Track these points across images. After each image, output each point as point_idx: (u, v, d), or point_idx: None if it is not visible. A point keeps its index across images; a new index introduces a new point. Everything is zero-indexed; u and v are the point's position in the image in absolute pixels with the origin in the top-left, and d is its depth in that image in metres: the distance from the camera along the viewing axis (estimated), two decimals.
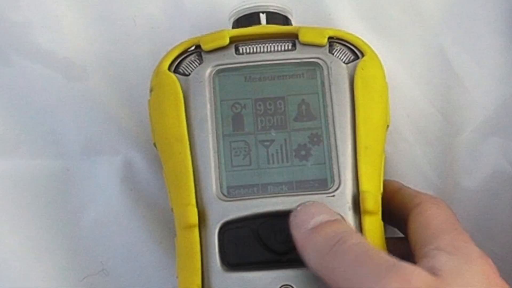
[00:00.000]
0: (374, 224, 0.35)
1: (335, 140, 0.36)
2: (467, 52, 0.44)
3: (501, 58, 0.44)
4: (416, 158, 0.43)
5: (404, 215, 0.36)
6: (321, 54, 0.37)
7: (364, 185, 0.35)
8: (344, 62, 0.37)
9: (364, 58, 0.37)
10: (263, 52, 0.37)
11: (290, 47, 0.38)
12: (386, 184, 0.38)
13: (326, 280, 0.32)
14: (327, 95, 0.37)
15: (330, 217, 0.33)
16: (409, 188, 0.38)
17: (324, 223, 0.33)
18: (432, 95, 0.44)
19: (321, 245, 0.32)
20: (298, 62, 0.37)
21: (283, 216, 0.34)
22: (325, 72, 0.37)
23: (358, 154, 0.36)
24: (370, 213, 0.35)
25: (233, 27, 0.40)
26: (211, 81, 0.37)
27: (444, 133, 0.43)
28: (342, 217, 0.34)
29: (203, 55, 0.38)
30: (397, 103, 0.41)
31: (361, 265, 0.30)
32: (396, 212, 0.37)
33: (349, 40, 0.38)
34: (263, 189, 0.35)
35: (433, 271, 0.30)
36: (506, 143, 0.43)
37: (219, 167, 0.36)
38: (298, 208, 0.34)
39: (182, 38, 0.39)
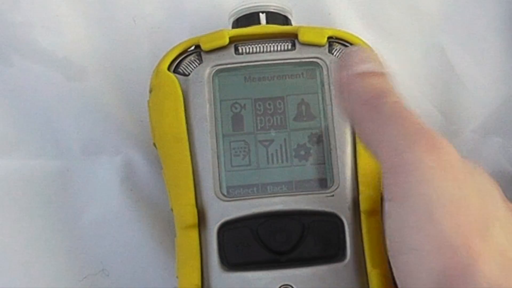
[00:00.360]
0: (373, 224, 0.35)
1: (335, 140, 0.36)
2: (467, 52, 0.44)
3: (501, 57, 0.44)
4: None
5: None
6: (321, 54, 0.37)
7: (364, 185, 0.35)
8: None
9: None
10: (263, 52, 0.37)
11: (289, 47, 0.38)
12: None
13: (356, 130, 0.32)
14: (327, 95, 0.37)
15: (379, 69, 0.32)
16: None
17: (372, 73, 0.32)
18: (432, 95, 0.44)
19: (362, 92, 0.31)
20: (297, 62, 0.37)
21: (282, 216, 0.34)
22: (325, 72, 0.37)
23: (357, 154, 0.36)
24: (369, 213, 0.35)
25: (233, 27, 0.40)
26: (211, 81, 0.37)
27: (444, 133, 0.43)
28: (342, 217, 0.34)
29: (203, 55, 0.38)
30: None
31: (394, 123, 0.30)
32: None
33: (348, 40, 0.38)
34: (262, 189, 0.35)
35: None
36: (507, 143, 0.43)
37: (218, 167, 0.36)
38: (351, 49, 0.33)
39: (182, 38, 0.39)
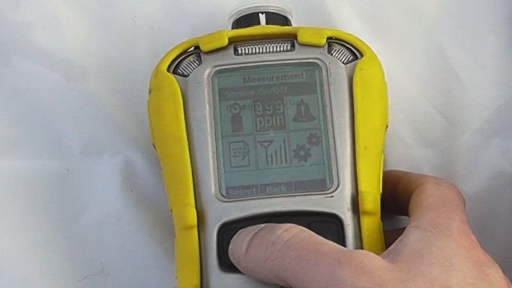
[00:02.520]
0: (373, 224, 0.35)
1: (334, 140, 0.36)
2: (467, 52, 0.44)
3: (501, 58, 0.44)
4: (416, 160, 0.42)
5: (408, 198, 0.36)
6: (320, 55, 0.37)
7: (363, 186, 0.35)
8: (343, 62, 0.37)
9: (363, 58, 0.37)
10: (262, 52, 0.37)
11: (289, 48, 0.38)
12: (390, 173, 0.38)
13: (281, 284, 0.32)
14: (326, 95, 0.37)
15: (254, 230, 0.33)
16: (414, 172, 0.38)
17: (254, 234, 0.33)
18: (432, 96, 0.44)
19: (257, 253, 0.32)
20: (297, 63, 0.37)
21: (282, 217, 0.34)
22: (324, 73, 0.37)
23: (357, 154, 0.36)
24: (369, 213, 0.35)
25: (232, 28, 0.40)
26: (210, 81, 0.37)
27: (444, 135, 0.43)
28: (341, 218, 0.34)
29: (202, 56, 0.38)
30: (396, 104, 0.41)
31: (304, 259, 0.30)
32: (401, 198, 0.37)
33: (348, 40, 0.38)
34: (262, 190, 0.35)
35: (393, 255, 0.30)
36: (507, 145, 0.43)
37: (218, 168, 0.36)
38: (230, 247, 0.34)
39: (182, 38, 0.39)
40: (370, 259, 0.29)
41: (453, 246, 0.31)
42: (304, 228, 0.32)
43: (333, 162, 0.36)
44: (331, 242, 0.30)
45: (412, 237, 0.31)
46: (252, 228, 0.33)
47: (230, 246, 0.34)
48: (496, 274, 0.32)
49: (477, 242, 0.33)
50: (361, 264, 0.29)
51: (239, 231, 0.34)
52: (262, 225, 0.33)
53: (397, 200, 0.37)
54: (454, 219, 0.33)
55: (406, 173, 0.38)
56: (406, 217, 0.37)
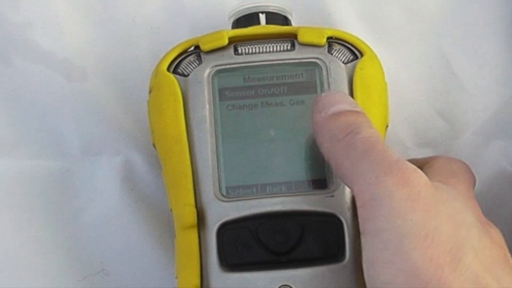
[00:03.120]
0: None
1: None
2: (467, 53, 0.44)
3: (501, 59, 0.44)
4: None
5: None
6: (320, 54, 0.37)
7: None
8: (343, 62, 0.37)
9: (363, 58, 0.37)
10: (262, 52, 0.37)
11: (289, 47, 0.38)
12: None
13: (333, 166, 0.33)
14: None
15: (351, 107, 0.33)
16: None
17: (344, 112, 0.33)
18: (432, 96, 0.44)
19: (336, 131, 0.32)
20: (297, 62, 0.37)
21: (282, 217, 0.34)
22: (324, 72, 0.37)
23: None
24: None
25: (232, 27, 0.40)
26: (210, 81, 0.37)
27: (444, 136, 0.43)
28: (341, 218, 0.34)
29: (202, 56, 0.38)
30: (396, 104, 0.41)
31: (366, 158, 0.31)
32: None
33: (348, 40, 0.38)
34: (262, 189, 0.35)
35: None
36: (507, 145, 0.43)
37: (218, 168, 0.36)
38: (322, 94, 0.34)
39: (182, 38, 0.39)
40: (417, 175, 0.30)
41: (461, 203, 0.32)
42: (380, 137, 0.32)
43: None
44: (394, 153, 0.31)
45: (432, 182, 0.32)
46: (346, 102, 0.34)
47: (323, 94, 0.34)
48: (497, 234, 0.33)
49: (480, 210, 0.34)
50: (407, 176, 0.30)
51: (334, 92, 0.35)
52: (353, 110, 0.34)
53: None
54: (461, 184, 0.34)
55: (413, 158, 0.38)
56: None
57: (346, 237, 0.34)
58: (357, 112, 0.33)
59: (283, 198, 0.35)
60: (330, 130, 0.33)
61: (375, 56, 0.38)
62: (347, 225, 0.34)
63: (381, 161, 0.30)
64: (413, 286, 0.28)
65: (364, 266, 0.31)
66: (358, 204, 0.31)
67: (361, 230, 0.31)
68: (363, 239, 0.31)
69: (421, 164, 0.37)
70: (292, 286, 0.34)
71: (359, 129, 0.32)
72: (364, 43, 0.38)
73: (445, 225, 0.29)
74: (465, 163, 0.37)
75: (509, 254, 0.32)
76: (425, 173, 0.35)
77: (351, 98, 0.35)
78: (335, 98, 0.34)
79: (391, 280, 0.29)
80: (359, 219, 0.31)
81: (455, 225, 0.30)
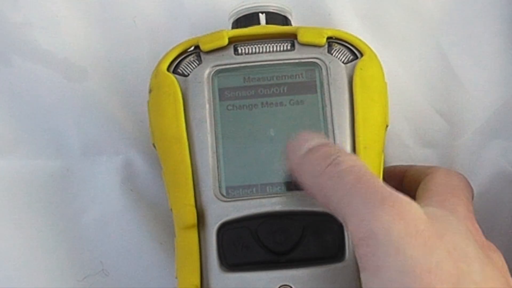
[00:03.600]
0: None
1: (334, 140, 0.36)
2: (467, 53, 0.44)
3: (501, 59, 0.44)
4: (415, 161, 0.42)
5: (415, 188, 0.36)
6: (320, 54, 0.37)
7: None
8: (343, 62, 0.37)
9: (363, 58, 0.37)
10: (262, 52, 0.37)
11: (289, 47, 0.38)
12: (394, 168, 0.38)
13: (321, 202, 0.32)
14: (326, 95, 0.37)
15: (323, 141, 0.33)
16: (420, 164, 0.39)
17: (317, 146, 0.33)
18: (432, 96, 0.44)
19: (316, 165, 0.32)
20: (297, 62, 0.37)
21: (282, 217, 0.34)
22: (324, 72, 0.37)
23: (357, 154, 0.36)
24: None
25: (232, 27, 0.40)
26: (210, 81, 0.37)
27: (444, 135, 0.43)
28: None
29: (202, 56, 0.38)
30: (396, 104, 0.41)
31: (356, 192, 0.30)
32: (408, 190, 0.36)
33: (348, 40, 0.38)
34: (261, 189, 0.35)
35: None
36: (508, 145, 0.43)
37: (218, 167, 0.36)
38: (294, 137, 0.34)
39: (182, 38, 0.39)
40: (412, 207, 0.30)
41: (462, 225, 0.31)
42: (364, 164, 0.32)
43: None
44: (382, 183, 0.31)
45: (429, 209, 0.31)
46: (319, 137, 0.33)
47: (290, 142, 0.33)
48: (499, 259, 0.32)
49: (479, 228, 0.33)
50: (402, 209, 0.29)
51: (304, 132, 0.34)
52: (328, 142, 0.33)
53: (404, 192, 0.37)
54: (461, 205, 0.33)
55: (411, 166, 0.38)
56: None
57: (346, 237, 0.34)
58: (329, 143, 0.33)
59: (283, 198, 0.35)
60: (309, 166, 0.32)
61: (375, 56, 0.38)
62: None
63: (373, 194, 0.30)
64: None
65: None
66: (354, 241, 0.30)
67: (360, 266, 0.30)
68: (363, 276, 0.30)
69: (421, 174, 0.37)
70: (292, 286, 0.34)
71: (338, 159, 0.31)
72: (364, 43, 0.38)
73: (446, 261, 0.29)
74: (464, 177, 0.37)
75: (509, 277, 0.32)
76: (425, 187, 0.35)
77: (319, 134, 0.35)
78: (304, 137, 0.33)
79: None
80: (357, 256, 0.30)
81: (455, 260, 0.29)
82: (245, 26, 0.39)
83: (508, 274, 0.32)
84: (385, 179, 0.36)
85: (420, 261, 0.28)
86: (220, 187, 0.35)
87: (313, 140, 0.33)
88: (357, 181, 0.30)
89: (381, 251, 0.29)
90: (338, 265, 0.34)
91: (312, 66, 0.37)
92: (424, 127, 0.43)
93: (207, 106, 0.37)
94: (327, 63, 0.37)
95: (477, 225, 0.33)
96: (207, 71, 0.37)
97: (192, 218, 0.35)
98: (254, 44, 0.38)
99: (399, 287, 0.28)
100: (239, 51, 0.38)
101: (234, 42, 0.38)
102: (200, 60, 0.38)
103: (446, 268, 0.29)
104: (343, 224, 0.31)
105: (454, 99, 0.44)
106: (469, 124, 0.43)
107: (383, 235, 0.29)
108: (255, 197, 0.35)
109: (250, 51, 0.37)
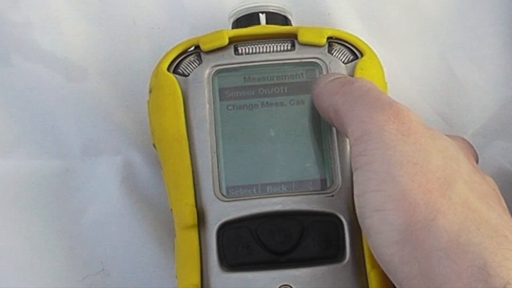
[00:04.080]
0: None
1: (335, 140, 0.36)
2: (467, 54, 0.44)
3: (501, 60, 0.44)
4: None
5: None
6: (320, 54, 0.37)
7: None
8: (343, 62, 0.37)
9: (363, 58, 0.37)
10: (262, 52, 0.37)
11: (289, 47, 0.38)
12: None
13: (332, 119, 0.34)
14: None
15: (345, 75, 0.36)
16: None
17: (339, 77, 0.35)
18: (432, 97, 0.44)
19: (333, 88, 0.34)
20: (297, 62, 0.37)
21: (282, 216, 0.34)
22: (324, 72, 0.37)
23: None
24: None
25: (232, 27, 0.40)
26: (210, 81, 0.37)
27: None
28: (341, 217, 0.34)
29: (202, 56, 0.38)
30: None
31: (360, 101, 0.32)
32: None
33: (348, 40, 0.38)
34: (262, 189, 0.35)
35: None
36: (508, 146, 0.43)
37: (218, 167, 0.36)
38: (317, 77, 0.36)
39: (182, 38, 0.39)
40: (409, 112, 0.31)
41: (454, 145, 0.33)
42: (375, 86, 0.34)
43: (333, 162, 0.36)
44: (389, 97, 0.32)
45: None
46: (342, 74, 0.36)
47: (317, 80, 0.36)
48: (490, 180, 0.34)
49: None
50: (399, 112, 0.31)
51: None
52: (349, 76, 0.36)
53: None
54: (460, 147, 0.34)
55: None
56: None
57: (346, 237, 0.34)
58: (349, 77, 0.36)
59: (283, 198, 0.35)
60: (328, 89, 0.34)
61: (375, 56, 0.38)
62: (347, 225, 0.34)
63: (375, 102, 0.31)
64: (402, 210, 0.29)
65: (355, 199, 0.31)
66: (351, 143, 0.32)
67: (353, 166, 0.32)
68: (354, 175, 0.31)
69: None
70: (292, 286, 0.34)
71: (352, 80, 0.34)
72: (364, 43, 0.38)
73: (435, 156, 0.30)
74: (468, 141, 0.37)
75: (502, 199, 0.33)
76: None
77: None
78: (329, 74, 0.36)
79: (380, 206, 0.30)
80: (352, 157, 0.32)
81: (445, 158, 0.31)
82: (245, 26, 0.39)
83: (499, 193, 0.33)
84: None
85: (408, 154, 0.30)
86: (220, 187, 0.35)
87: (334, 74, 0.36)
88: (364, 94, 0.32)
89: (372, 147, 0.30)
90: (338, 265, 0.34)
91: (313, 66, 0.37)
92: None
93: (207, 106, 0.37)
94: (327, 63, 0.37)
95: (472, 159, 0.34)
96: (207, 71, 0.37)
97: (192, 218, 0.35)
98: (255, 44, 0.38)
99: (386, 177, 0.30)
100: (240, 51, 0.38)
101: (235, 42, 0.38)
102: (200, 60, 0.38)
103: (434, 162, 0.30)
104: (345, 133, 0.33)
105: (454, 99, 0.44)
106: (469, 125, 0.43)
107: (376, 132, 0.30)
108: (255, 197, 0.35)
109: (250, 51, 0.38)
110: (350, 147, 0.32)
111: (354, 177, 0.31)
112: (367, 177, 0.30)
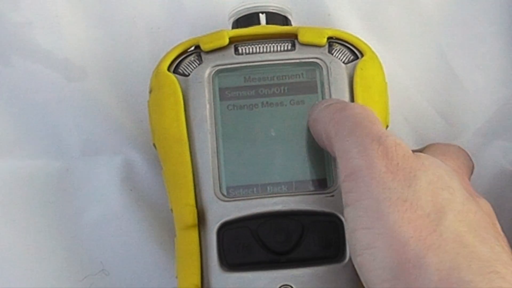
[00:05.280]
0: None
1: None
2: (467, 53, 0.44)
3: (501, 59, 0.44)
4: None
5: None
6: (321, 54, 0.37)
7: None
8: (343, 62, 0.37)
9: (364, 58, 0.37)
10: (263, 52, 0.37)
11: (289, 47, 0.38)
12: None
13: (328, 149, 0.34)
14: (327, 95, 0.37)
15: (341, 100, 0.35)
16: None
17: (334, 102, 0.35)
18: (432, 96, 0.44)
19: (327, 114, 0.34)
20: (297, 62, 0.37)
21: (282, 216, 0.34)
22: (325, 72, 0.37)
23: None
24: None
25: (232, 27, 0.40)
26: (211, 81, 0.37)
27: (444, 136, 0.43)
28: (341, 217, 0.34)
29: (203, 56, 0.38)
30: (395, 105, 0.41)
31: (352, 134, 0.32)
32: None
33: (348, 40, 0.38)
34: (262, 189, 0.35)
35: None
36: (508, 145, 0.43)
37: (218, 167, 0.36)
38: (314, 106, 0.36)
39: (182, 38, 0.39)
40: (398, 147, 0.31)
41: (445, 170, 0.32)
42: (369, 112, 0.33)
43: (333, 162, 0.36)
44: (381, 127, 0.32)
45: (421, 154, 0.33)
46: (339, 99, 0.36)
47: (314, 106, 0.36)
48: (485, 204, 0.33)
49: (471, 187, 0.34)
50: (387, 150, 0.31)
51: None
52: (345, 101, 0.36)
53: None
54: (450, 163, 0.34)
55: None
56: None
57: (346, 237, 0.34)
58: (345, 101, 0.35)
59: (284, 198, 0.35)
60: (323, 116, 0.34)
61: (375, 56, 0.38)
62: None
63: (365, 136, 0.31)
64: (392, 249, 0.29)
65: (347, 236, 0.32)
66: (341, 178, 0.32)
67: (344, 203, 0.31)
68: (345, 211, 0.31)
69: (419, 151, 0.37)
70: (292, 286, 0.34)
71: (345, 106, 0.33)
72: (364, 43, 0.38)
73: (425, 191, 0.30)
74: (462, 149, 0.37)
75: (497, 223, 0.32)
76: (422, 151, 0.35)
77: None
78: (326, 100, 0.36)
79: (370, 244, 0.29)
80: (342, 194, 0.32)
81: (437, 189, 0.30)
82: (245, 26, 0.39)
83: (495, 218, 0.33)
84: None
85: (397, 191, 0.30)
86: (220, 187, 0.35)
87: (331, 100, 0.35)
88: (356, 125, 0.32)
89: (362, 184, 0.30)
90: (338, 265, 0.34)
91: (313, 66, 0.37)
92: (424, 127, 0.43)
93: (208, 106, 0.37)
94: (327, 63, 0.37)
95: (466, 179, 0.34)
96: (207, 71, 0.37)
97: (193, 218, 0.35)
98: (255, 44, 0.38)
99: (376, 214, 0.29)
100: (240, 51, 0.38)
101: (235, 42, 0.38)
102: (200, 60, 0.38)
103: (423, 197, 0.30)
104: (337, 165, 0.33)
105: (454, 99, 0.44)
106: (469, 125, 0.43)
107: (366, 170, 0.30)
108: (255, 197, 0.35)
109: (250, 51, 0.38)
110: (341, 183, 0.32)
111: (345, 214, 0.31)
112: (357, 215, 0.30)
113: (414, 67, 0.44)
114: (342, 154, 0.32)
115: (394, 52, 0.44)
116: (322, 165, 0.36)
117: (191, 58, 0.38)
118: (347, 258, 0.34)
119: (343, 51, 0.38)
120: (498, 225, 0.32)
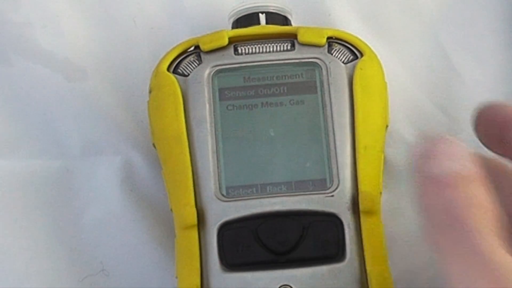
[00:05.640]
0: (373, 224, 0.35)
1: (334, 140, 0.36)
2: (467, 50, 0.44)
3: (502, 56, 0.44)
4: None
5: None
6: (320, 54, 0.37)
7: (363, 185, 0.35)
8: (343, 62, 0.37)
9: (363, 58, 0.37)
10: (262, 52, 0.38)
11: (289, 47, 0.38)
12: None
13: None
14: (326, 95, 0.37)
15: (464, 168, 0.27)
16: None
17: (454, 177, 0.27)
18: (433, 94, 0.44)
19: (437, 207, 0.27)
20: (297, 62, 0.37)
21: (282, 216, 0.34)
22: (324, 72, 0.37)
23: (357, 154, 0.36)
24: (369, 213, 0.35)
25: (232, 27, 0.40)
26: (210, 81, 0.37)
27: (446, 132, 0.43)
28: (341, 217, 0.34)
29: (202, 56, 0.38)
30: (396, 103, 0.41)
31: (464, 260, 0.26)
32: None
33: (348, 40, 0.38)
34: (262, 189, 0.35)
35: None
36: None
37: (218, 167, 0.36)
38: (436, 139, 0.28)
39: (182, 38, 0.39)
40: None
41: None
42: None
43: (333, 162, 0.36)
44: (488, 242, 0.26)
45: None
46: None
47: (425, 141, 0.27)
48: None
49: None
50: (499, 277, 0.25)
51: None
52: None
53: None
54: None
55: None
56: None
57: (346, 237, 0.34)
58: (472, 180, 0.27)
59: (283, 198, 0.35)
60: (430, 200, 0.27)
61: (375, 56, 0.38)
62: (347, 225, 0.34)
63: (478, 264, 0.25)
64: None
65: None
66: None
67: None
68: None
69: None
70: (292, 286, 0.34)
71: (465, 220, 0.26)
72: (364, 43, 0.38)
73: None
74: None
75: None
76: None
77: (468, 154, 0.27)
78: (440, 149, 0.27)
79: None
80: None
81: None
82: (245, 26, 0.39)
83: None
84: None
85: None
86: (220, 187, 0.35)
87: (449, 160, 0.27)
88: (477, 257, 0.26)
89: None
90: (338, 265, 0.34)
91: (312, 66, 0.37)
92: (425, 126, 0.43)
93: (207, 106, 0.37)
94: (327, 63, 0.37)
95: None
96: (207, 71, 0.37)
97: (192, 218, 0.35)
98: (254, 44, 0.38)
99: None
100: (239, 51, 0.38)
101: (234, 42, 0.38)
102: (200, 60, 0.38)
103: None
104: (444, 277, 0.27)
105: (455, 97, 0.44)
106: (470, 121, 0.43)
107: None
108: (255, 197, 0.35)
109: (250, 51, 0.38)
110: None
111: None
112: None
113: (414, 66, 0.44)
114: (454, 278, 0.26)
115: (394, 51, 0.44)
116: (322, 165, 0.36)
117: (191, 58, 0.38)
118: (347, 258, 0.34)
119: (342, 51, 0.38)
120: None
